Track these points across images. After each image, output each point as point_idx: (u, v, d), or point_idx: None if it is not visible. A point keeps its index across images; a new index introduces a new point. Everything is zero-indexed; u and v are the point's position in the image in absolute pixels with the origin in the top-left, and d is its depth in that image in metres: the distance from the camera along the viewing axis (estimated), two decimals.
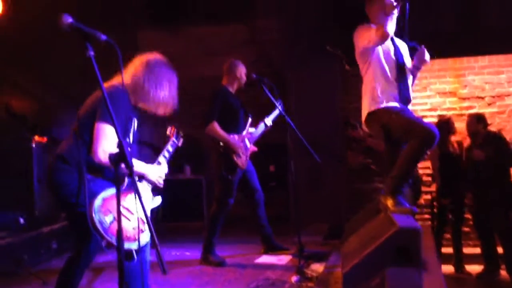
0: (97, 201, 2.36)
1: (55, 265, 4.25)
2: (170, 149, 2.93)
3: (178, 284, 3.83)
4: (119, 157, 1.88)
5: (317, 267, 3.93)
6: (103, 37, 1.96)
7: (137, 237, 2.42)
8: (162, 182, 2.77)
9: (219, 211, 4.34)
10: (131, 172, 1.88)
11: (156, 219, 5.90)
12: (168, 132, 3.00)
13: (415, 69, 3.59)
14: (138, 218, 2.40)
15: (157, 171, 2.76)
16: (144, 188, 2.70)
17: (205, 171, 5.97)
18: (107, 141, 2.43)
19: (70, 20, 1.94)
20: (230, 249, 4.82)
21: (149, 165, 2.74)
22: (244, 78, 4.51)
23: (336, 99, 6.10)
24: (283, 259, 4.41)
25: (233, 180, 4.31)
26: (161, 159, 2.85)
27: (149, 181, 2.73)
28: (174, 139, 2.98)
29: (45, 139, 5.09)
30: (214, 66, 6.48)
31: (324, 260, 4.07)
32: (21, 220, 4.56)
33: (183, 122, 6.13)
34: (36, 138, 5.03)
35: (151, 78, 2.67)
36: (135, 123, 2.73)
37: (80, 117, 2.60)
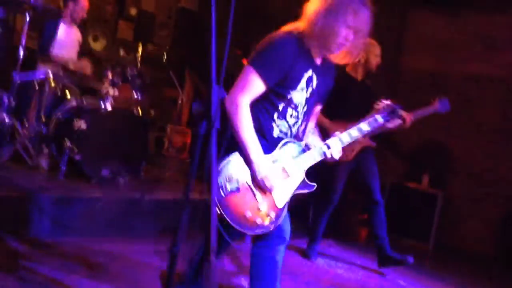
0: (227, 162, 2.00)
1: None
2: (367, 125, 2.26)
3: None
4: (203, 114, 1.42)
5: None
6: None
7: (259, 223, 2.00)
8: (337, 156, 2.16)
9: None
10: (209, 134, 1.38)
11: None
12: (377, 105, 2.40)
13: None
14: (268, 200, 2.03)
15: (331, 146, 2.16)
16: (299, 163, 2.13)
17: (446, 186, 4.88)
18: (241, 89, 2.01)
19: None
20: None
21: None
22: None
23: None
24: None
25: None
26: (347, 132, 2.22)
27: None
28: (380, 115, 2.31)
29: None
30: (493, 64, 5.27)
31: None
32: None
33: (437, 126, 5.10)
34: None
35: (333, 13, 1.98)
36: (314, 80, 2.14)
37: None
